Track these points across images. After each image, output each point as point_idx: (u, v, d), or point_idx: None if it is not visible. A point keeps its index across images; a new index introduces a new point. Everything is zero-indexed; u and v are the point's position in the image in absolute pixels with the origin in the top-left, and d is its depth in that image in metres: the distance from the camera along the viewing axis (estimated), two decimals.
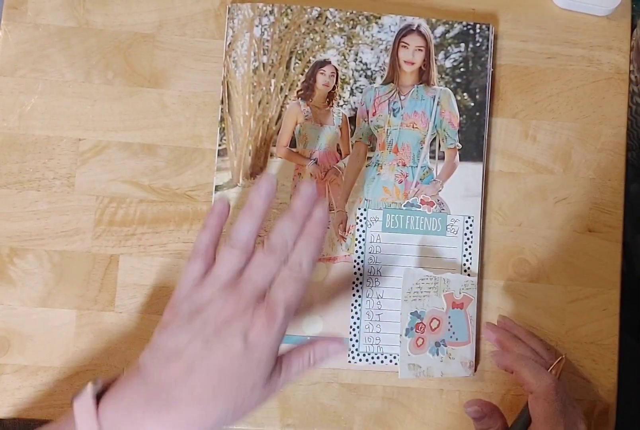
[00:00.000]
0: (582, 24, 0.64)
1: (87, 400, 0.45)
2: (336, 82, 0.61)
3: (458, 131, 0.61)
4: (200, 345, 0.45)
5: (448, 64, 0.62)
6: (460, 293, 0.59)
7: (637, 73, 0.77)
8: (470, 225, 0.60)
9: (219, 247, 0.50)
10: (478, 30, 0.62)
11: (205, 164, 0.61)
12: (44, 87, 0.61)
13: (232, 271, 0.48)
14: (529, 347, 0.58)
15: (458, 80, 0.62)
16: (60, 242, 0.60)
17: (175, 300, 0.49)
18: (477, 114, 0.61)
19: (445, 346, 0.59)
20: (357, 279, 0.59)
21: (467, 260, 0.60)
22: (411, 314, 0.58)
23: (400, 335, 0.58)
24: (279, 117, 0.61)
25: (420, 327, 0.59)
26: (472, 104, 0.62)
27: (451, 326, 0.59)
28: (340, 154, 0.61)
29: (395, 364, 0.59)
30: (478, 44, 0.62)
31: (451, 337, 0.59)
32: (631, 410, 0.63)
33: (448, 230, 0.60)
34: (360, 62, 0.61)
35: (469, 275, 0.60)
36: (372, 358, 0.59)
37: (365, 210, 0.60)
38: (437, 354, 0.59)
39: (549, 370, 0.55)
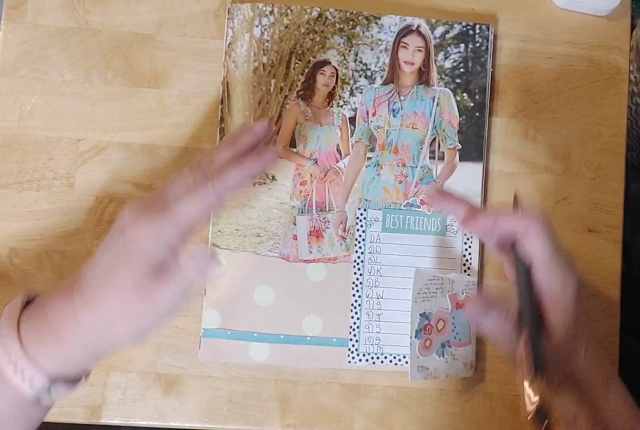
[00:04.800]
0: (582, 24, 0.64)
1: (15, 303, 0.46)
2: (336, 83, 0.61)
3: (458, 131, 0.61)
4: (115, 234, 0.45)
5: (448, 64, 0.62)
6: (463, 293, 0.59)
7: (637, 73, 0.77)
8: None
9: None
10: (478, 31, 0.62)
11: None
12: (43, 87, 0.61)
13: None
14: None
15: (458, 80, 0.62)
16: (60, 242, 0.60)
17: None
18: (477, 114, 0.61)
19: (450, 347, 0.59)
20: (357, 279, 0.59)
21: (467, 260, 0.60)
22: (420, 315, 0.58)
23: (410, 337, 0.58)
24: (279, 117, 0.61)
25: (428, 329, 0.58)
26: (472, 104, 0.62)
27: (455, 327, 0.59)
28: (340, 154, 0.61)
29: (395, 364, 0.59)
30: (478, 44, 0.62)
31: (455, 337, 0.59)
32: None
33: (448, 230, 0.60)
34: (360, 62, 0.61)
35: (468, 275, 0.60)
36: (372, 358, 0.59)
37: (365, 210, 0.60)
38: (443, 355, 0.59)
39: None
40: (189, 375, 0.59)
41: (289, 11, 0.61)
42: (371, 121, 0.61)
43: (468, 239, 0.60)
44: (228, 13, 0.61)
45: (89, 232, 0.60)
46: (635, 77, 0.77)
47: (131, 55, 0.61)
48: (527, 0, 0.64)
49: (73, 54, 0.61)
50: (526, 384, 0.46)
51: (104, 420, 0.58)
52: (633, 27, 0.65)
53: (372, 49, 0.61)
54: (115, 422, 0.58)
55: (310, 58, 0.61)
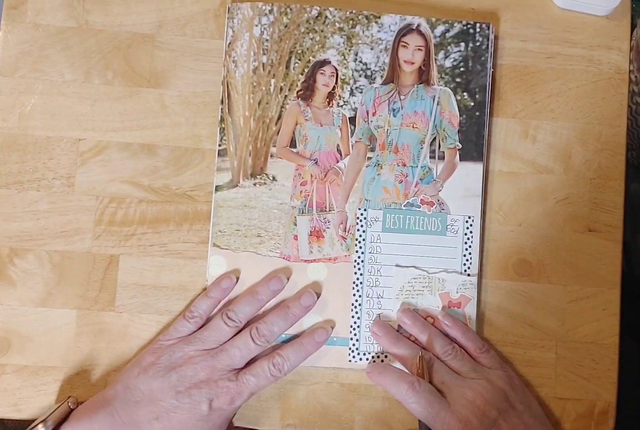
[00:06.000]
0: (582, 24, 0.64)
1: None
2: (336, 82, 0.61)
3: (458, 131, 0.61)
4: (170, 398, 0.52)
5: (448, 63, 0.62)
6: (457, 292, 0.59)
7: (637, 73, 0.77)
8: (471, 225, 0.60)
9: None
10: (478, 30, 0.62)
11: (205, 164, 0.61)
12: (43, 87, 0.61)
13: (217, 341, 0.55)
14: (414, 343, 0.58)
15: (458, 79, 0.62)
16: (60, 242, 0.60)
17: (158, 347, 0.54)
18: (477, 113, 0.61)
19: None
20: (358, 278, 0.59)
21: (467, 260, 0.60)
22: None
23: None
24: (279, 117, 0.61)
25: None
26: (472, 104, 0.62)
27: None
28: (341, 154, 0.61)
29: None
30: (478, 44, 0.62)
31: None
32: (631, 410, 0.64)
33: (448, 230, 0.60)
34: (360, 62, 0.61)
35: (468, 275, 0.60)
36: (373, 357, 0.59)
37: (365, 210, 0.60)
38: None
39: (417, 370, 0.55)
40: None
41: (288, 10, 0.61)
42: (371, 121, 0.61)
43: (468, 239, 0.60)
44: (228, 12, 0.61)
45: (89, 232, 0.60)
46: (636, 76, 0.77)
47: (131, 55, 0.61)
48: (527, 0, 0.64)
49: (73, 54, 0.61)
50: None
51: None
52: (633, 27, 0.65)
53: (372, 49, 0.61)
54: None
55: (310, 58, 0.61)
